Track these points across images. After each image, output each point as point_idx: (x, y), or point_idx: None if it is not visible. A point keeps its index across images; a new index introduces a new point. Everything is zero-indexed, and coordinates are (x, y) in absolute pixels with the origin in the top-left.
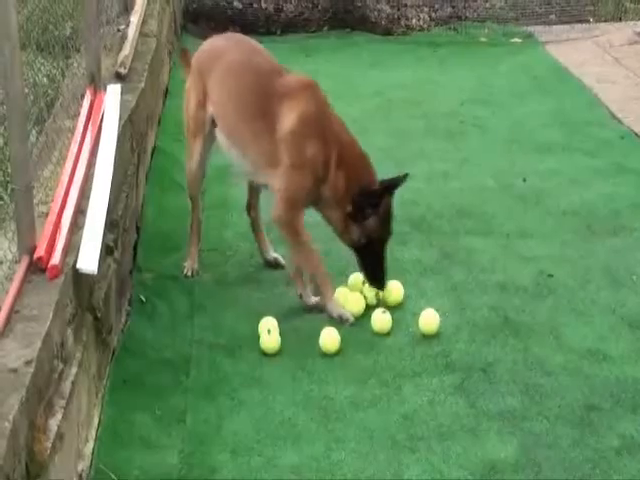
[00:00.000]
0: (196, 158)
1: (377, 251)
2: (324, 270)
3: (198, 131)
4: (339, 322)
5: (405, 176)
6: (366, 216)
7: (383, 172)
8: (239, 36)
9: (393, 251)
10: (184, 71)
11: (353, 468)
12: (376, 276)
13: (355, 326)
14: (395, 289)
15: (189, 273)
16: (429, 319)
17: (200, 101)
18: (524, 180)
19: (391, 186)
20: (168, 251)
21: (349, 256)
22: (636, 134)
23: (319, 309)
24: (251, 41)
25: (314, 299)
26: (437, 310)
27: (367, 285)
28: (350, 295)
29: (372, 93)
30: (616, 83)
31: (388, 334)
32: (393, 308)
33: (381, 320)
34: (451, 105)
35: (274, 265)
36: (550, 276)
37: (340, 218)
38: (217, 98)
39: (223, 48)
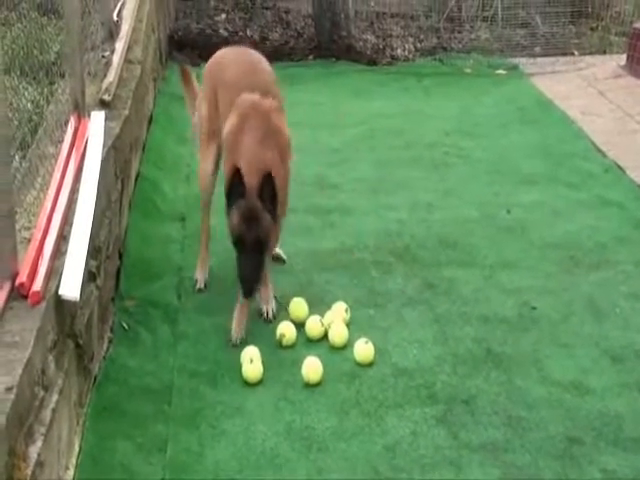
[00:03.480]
0: (211, 160)
1: (240, 252)
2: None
3: (212, 136)
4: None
5: (268, 176)
6: (230, 208)
7: (364, 203)
8: (245, 51)
9: (376, 281)
10: (185, 89)
11: None
12: (240, 278)
13: (338, 356)
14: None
15: (202, 286)
16: (363, 350)
17: (211, 107)
18: (508, 212)
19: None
20: (151, 278)
21: (330, 286)
22: (620, 167)
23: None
24: (254, 57)
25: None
26: (420, 341)
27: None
28: (334, 325)
29: (356, 122)
30: (600, 116)
31: (370, 365)
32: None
33: (364, 350)
34: (435, 135)
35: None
36: (533, 308)
37: None
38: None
39: (228, 61)
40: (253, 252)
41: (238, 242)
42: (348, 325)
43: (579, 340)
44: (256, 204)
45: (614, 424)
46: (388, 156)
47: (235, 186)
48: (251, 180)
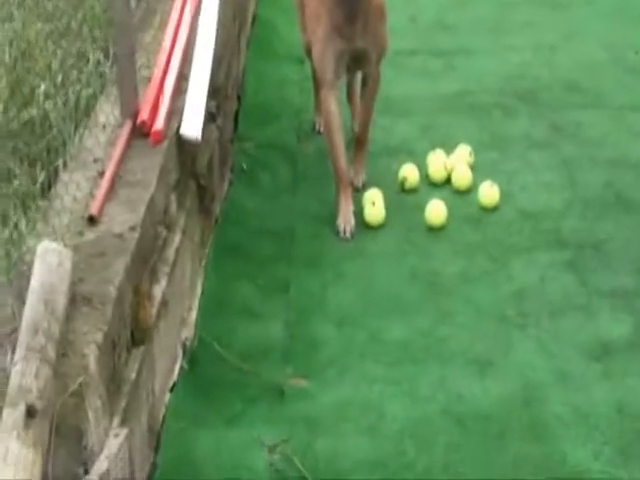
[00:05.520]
0: None
1: None
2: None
3: None
4: (337, 231)
5: None
6: None
7: (486, 44)
8: None
9: (500, 124)
10: None
11: (462, 343)
12: None
13: (462, 200)
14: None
15: (320, 127)
16: (488, 193)
17: None
18: (636, 52)
19: None
20: (269, 120)
21: (453, 129)
22: None
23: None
24: None
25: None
26: (547, 184)
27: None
28: (458, 168)
29: None
30: None
31: (496, 208)
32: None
33: (489, 194)
34: None
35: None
36: None
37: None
38: None
39: None
40: None
41: None
42: (472, 168)
43: None
44: None
45: None
46: None
47: None
48: None
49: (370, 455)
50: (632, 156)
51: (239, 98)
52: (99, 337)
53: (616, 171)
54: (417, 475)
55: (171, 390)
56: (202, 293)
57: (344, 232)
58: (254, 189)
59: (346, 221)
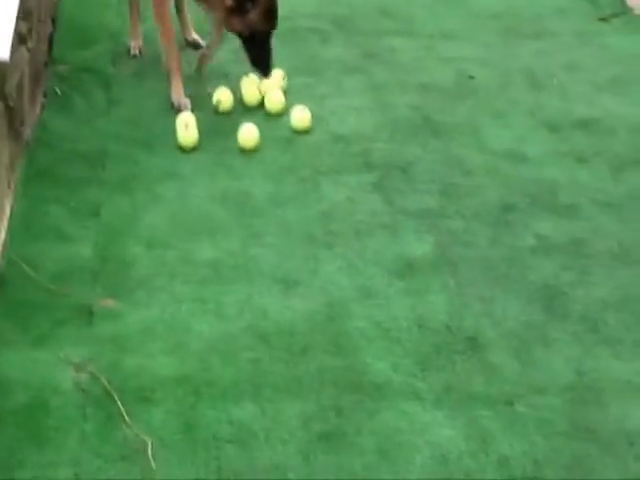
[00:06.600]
0: None
1: (262, 41)
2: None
3: None
4: (175, 108)
5: None
6: (246, 10)
7: None
8: None
9: (314, 49)
10: None
11: (270, 263)
12: (260, 64)
13: (274, 123)
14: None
15: (136, 52)
16: (300, 117)
17: None
18: None
19: None
20: (85, 44)
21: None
22: None
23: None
24: None
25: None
26: (358, 109)
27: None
28: (271, 92)
29: None
30: None
31: (307, 131)
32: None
33: (300, 117)
34: None
35: (194, 46)
36: (471, 77)
37: (222, 13)
38: None
39: None
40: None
41: (261, 34)
42: (285, 92)
43: (516, 109)
44: None
45: (549, 191)
46: None
47: None
48: None
49: (175, 372)
50: (440, 81)
51: (54, 21)
52: None
53: (425, 95)
54: (222, 388)
55: None
56: (11, 216)
57: (179, 106)
58: (67, 113)
59: (181, 97)
